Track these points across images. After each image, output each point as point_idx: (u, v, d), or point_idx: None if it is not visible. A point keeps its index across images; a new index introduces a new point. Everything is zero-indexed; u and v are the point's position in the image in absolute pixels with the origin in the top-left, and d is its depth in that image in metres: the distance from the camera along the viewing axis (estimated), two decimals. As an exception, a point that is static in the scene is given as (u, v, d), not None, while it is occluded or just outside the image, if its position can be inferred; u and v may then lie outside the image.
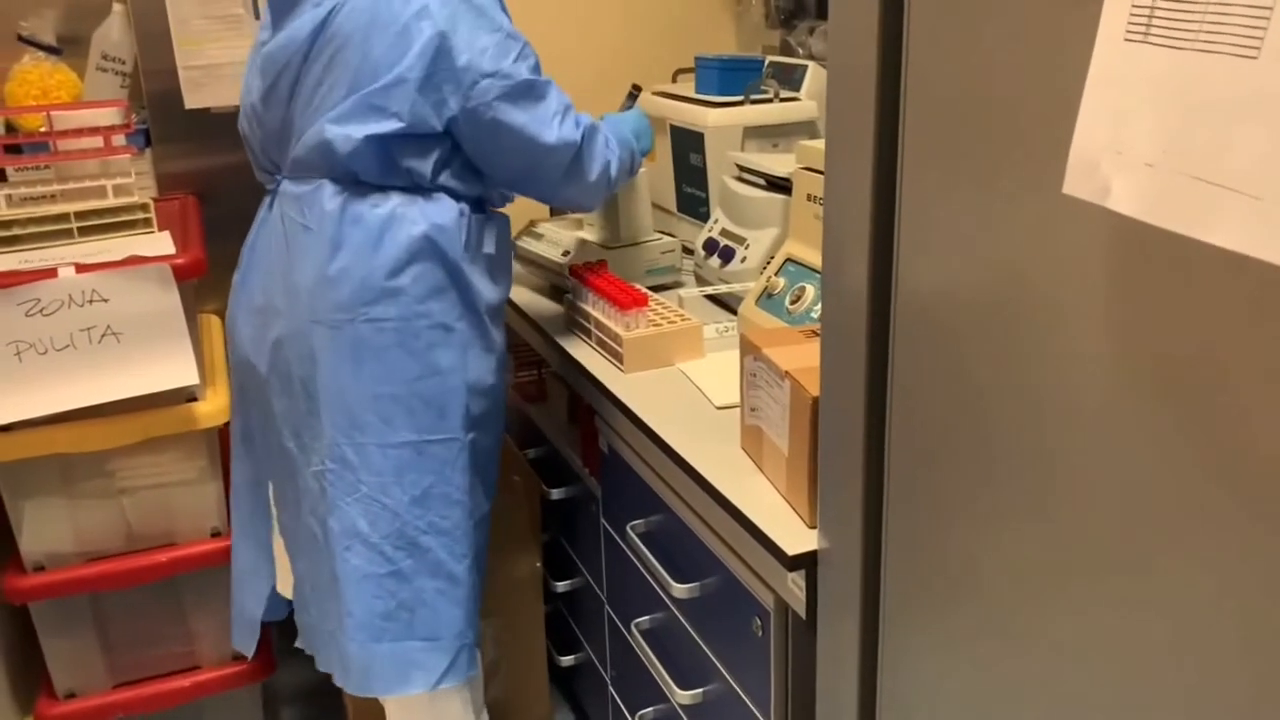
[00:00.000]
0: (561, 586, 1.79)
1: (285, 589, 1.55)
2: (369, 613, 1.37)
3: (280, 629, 1.68)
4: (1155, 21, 0.48)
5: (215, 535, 1.70)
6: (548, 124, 1.36)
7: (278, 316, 1.38)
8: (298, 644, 1.52)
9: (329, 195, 1.33)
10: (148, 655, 1.75)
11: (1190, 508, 0.58)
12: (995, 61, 0.68)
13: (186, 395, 1.61)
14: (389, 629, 1.38)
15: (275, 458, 1.46)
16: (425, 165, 1.33)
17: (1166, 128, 0.48)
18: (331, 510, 1.36)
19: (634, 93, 1.95)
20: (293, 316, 1.36)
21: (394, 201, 1.33)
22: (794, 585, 1.03)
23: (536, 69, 1.36)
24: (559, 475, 1.74)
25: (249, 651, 1.62)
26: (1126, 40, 0.50)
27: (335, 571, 1.38)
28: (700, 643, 1.29)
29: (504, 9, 1.36)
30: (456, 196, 1.37)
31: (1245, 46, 0.44)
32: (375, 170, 1.32)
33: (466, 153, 1.36)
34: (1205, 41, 0.46)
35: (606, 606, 1.63)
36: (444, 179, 1.35)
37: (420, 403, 1.36)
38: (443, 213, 1.35)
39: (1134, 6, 0.49)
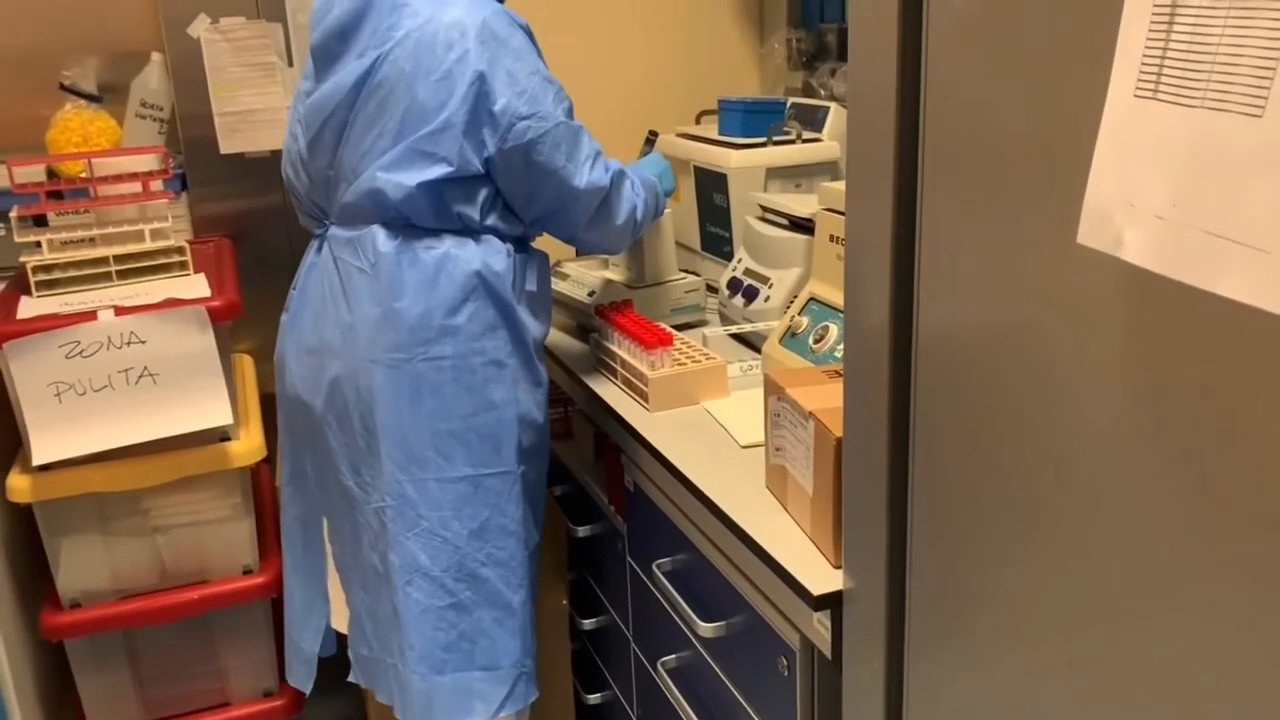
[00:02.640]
0: (588, 624, 1.80)
1: (340, 624, 1.56)
2: (431, 645, 1.39)
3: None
4: (1164, 80, 0.50)
5: (247, 572, 1.72)
6: (579, 168, 1.39)
7: (333, 356, 1.40)
8: (350, 678, 1.53)
9: (383, 239, 1.36)
10: (180, 691, 1.77)
11: (1217, 542, 0.59)
12: (1013, 102, 0.69)
13: (220, 435, 1.64)
14: (450, 660, 1.40)
15: (331, 495, 1.48)
16: (474, 208, 1.37)
17: (1176, 182, 0.50)
18: (392, 545, 1.38)
19: (651, 138, 1.97)
20: (350, 356, 1.38)
21: (447, 244, 1.36)
22: (819, 625, 1.03)
23: (570, 113, 1.39)
24: (585, 513, 1.75)
25: (306, 688, 1.63)
26: (1136, 96, 0.52)
27: (396, 606, 1.40)
28: (726, 682, 1.30)
29: (539, 54, 1.39)
30: (503, 237, 1.40)
31: (1251, 105, 0.46)
32: (428, 215, 1.35)
33: (500, 190, 1.39)
34: (1213, 100, 0.47)
35: (633, 645, 1.63)
36: (491, 220, 1.39)
37: (476, 437, 1.38)
38: (493, 253, 1.38)
39: (1143, 65, 0.51)
